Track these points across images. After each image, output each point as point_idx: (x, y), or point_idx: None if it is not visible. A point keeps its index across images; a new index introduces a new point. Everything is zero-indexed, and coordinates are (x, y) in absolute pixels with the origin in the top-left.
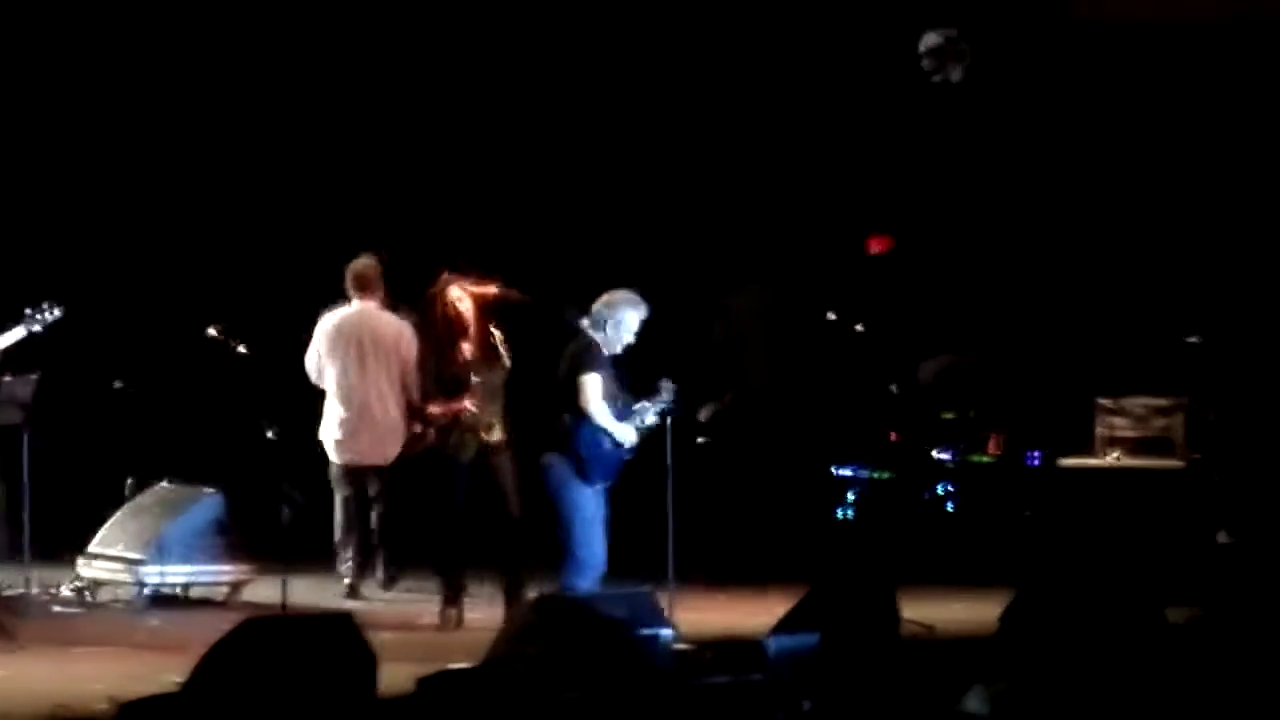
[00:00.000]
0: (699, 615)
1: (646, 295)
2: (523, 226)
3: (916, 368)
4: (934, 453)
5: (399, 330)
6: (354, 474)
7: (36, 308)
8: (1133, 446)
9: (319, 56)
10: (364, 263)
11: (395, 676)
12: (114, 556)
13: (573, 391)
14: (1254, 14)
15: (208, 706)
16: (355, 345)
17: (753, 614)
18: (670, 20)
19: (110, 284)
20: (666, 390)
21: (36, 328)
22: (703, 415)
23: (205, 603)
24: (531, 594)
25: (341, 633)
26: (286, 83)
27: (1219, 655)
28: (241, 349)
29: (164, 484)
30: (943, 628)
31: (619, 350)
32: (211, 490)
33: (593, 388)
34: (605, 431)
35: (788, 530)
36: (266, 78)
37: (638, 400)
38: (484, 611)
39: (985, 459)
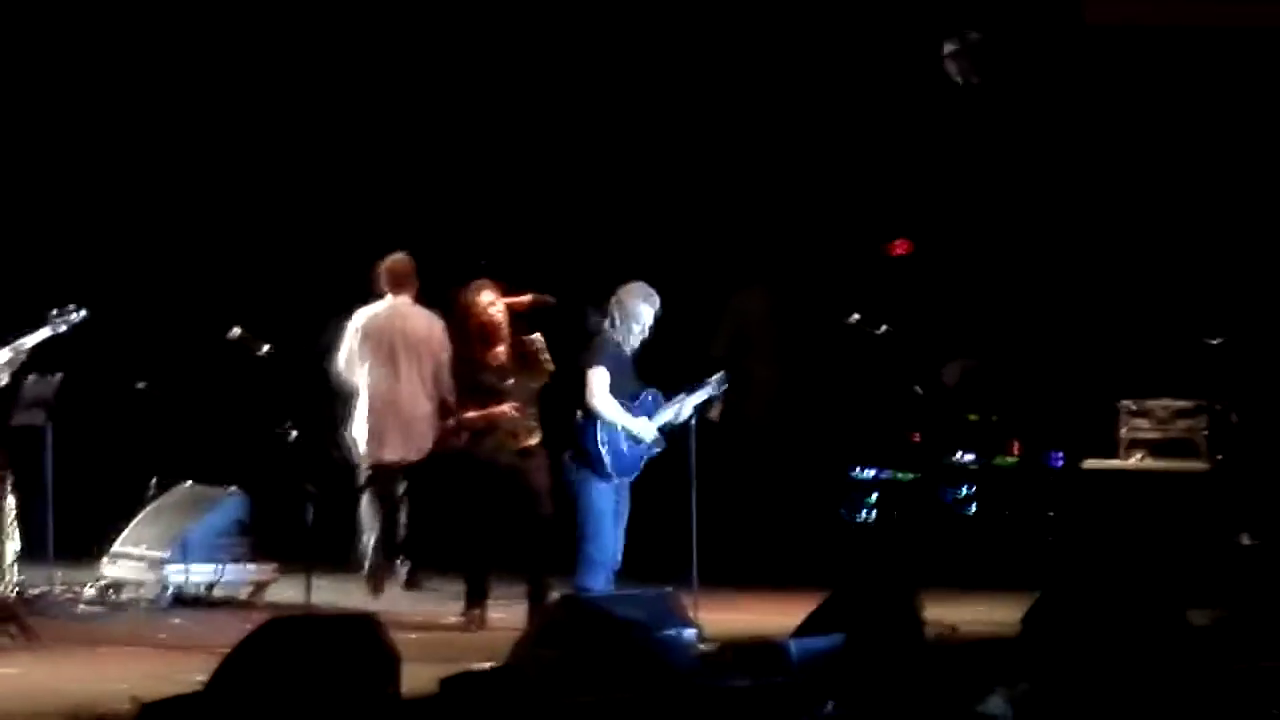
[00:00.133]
0: (721, 617)
1: (669, 297)
2: (546, 228)
3: (939, 370)
4: (956, 454)
5: (430, 326)
6: (382, 472)
7: (61, 310)
8: (1155, 448)
9: (340, 58)
10: (397, 258)
11: (418, 677)
12: (137, 556)
13: (583, 387)
14: (1269, 18)
15: (230, 706)
16: (388, 342)
17: (775, 616)
18: (692, 22)
19: (133, 285)
20: (712, 383)
21: (62, 328)
22: (714, 415)
23: (228, 603)
24: (555, 595)
25: (364, 633)
26: (309, 85)
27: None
28: (264, 350)
29: (187, 484)
30: (965, 629)
31: (635, 344)
32: (234, 490)
33: (598, 383)
34: (618, 427)
35: (810, 532)
36: (289, 80)
37: (674, 393)
38: (507, 612)
39: (1008, 461)
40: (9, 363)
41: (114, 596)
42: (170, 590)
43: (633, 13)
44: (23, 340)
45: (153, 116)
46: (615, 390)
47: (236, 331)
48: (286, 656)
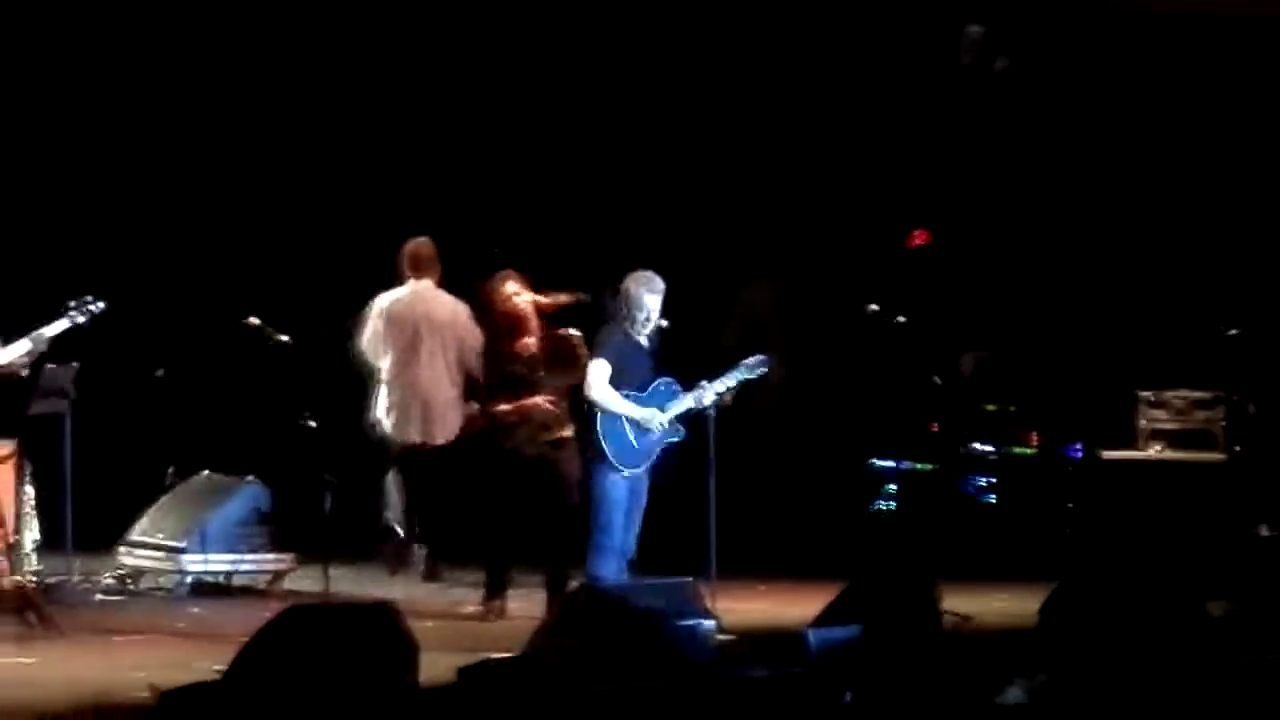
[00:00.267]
0: (740, 607)
1: (690, 288)
2: (564, 218)
3: (957, 360)
4: (974, 445)
5: (454, 310)
6: (406, 456)
7: (79, 301)
8: (1173, 439)
9: (361, 47)
10: (419, 243)
11: (436, 666)
12: (156, 545)
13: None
14: None
15: (249, 695)
16: (411, 326)
17: (793, 606)
18: (709, 13)
19: (151, 274)
20: (742, 369)
21: (80, 320)
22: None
23: (247, 591)
24: (573, 585)
25: (383, 622)
26: (329, 74)
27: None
28: (282, 338)
29: (205, 473)
30: (983, 620)
31: (645, 332)
32: (252, 479)
33: (594, 374)
34: (621, 417)
35: (828, 523)
36: (309, 69)
37: (695, 382)
38: (525, 602)
39: (1026, 451)
40: (28, 354)
41: (132, 585)
42: (188, 579)
43: (650, 5)
44: (41, 332)
45: (170, 106)
46: (625, 379)
47: (254, 320)
48: (305, 645)
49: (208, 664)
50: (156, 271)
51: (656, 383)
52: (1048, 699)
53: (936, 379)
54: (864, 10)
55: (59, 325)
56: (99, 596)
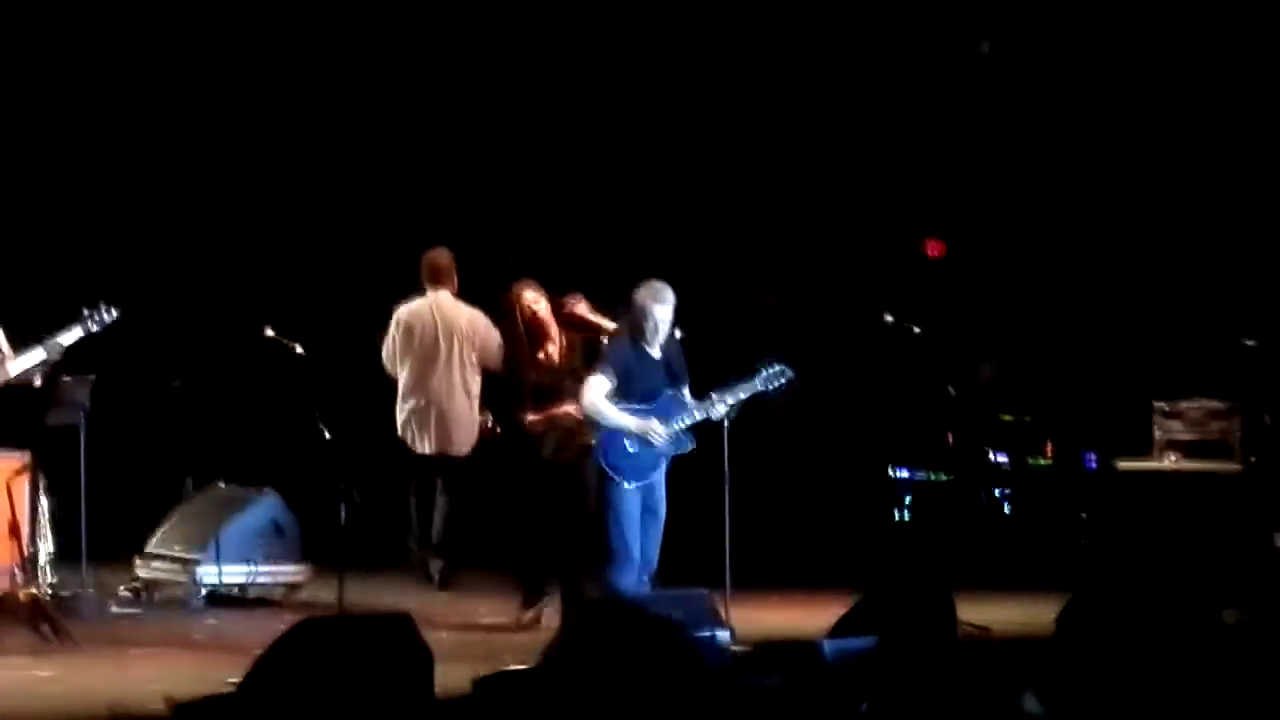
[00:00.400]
0: (755, 617)
1: (705, 299)
2: (580, 228)
3: (974, 370)
4: (990, 455)
5: (471, 318)
6: (424, 466)
7: (93, 308)
8: (1189, 449)
9: (374, 58)
10: (436, 253)
11: (451, 677)
12: (171, 557)
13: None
14: None
15: (264, 707)
16: (429, 336)
17: (808, 616)
18: (724, 21)
19: (168, 284)
20: (758, 380)
21: (94, 328)
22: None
23: (262, 603)
24: (589, 595)
25: (398, 633)
26: (343, 84)
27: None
28: (298, 349)
29: (221, 484)
30: (999, 630)
31: (654, 343)
32: (268, 490)
33: (592, 387)
34: (620, 429)
35: (844, 533)
36: (323, 79)
37: (707, 392)
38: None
39: (1042, 461)
40: (43, 363)
41: (148, 597)
42: (204, 591)
43: (663, 11)
44: (56, 340)
45: (187, 115)
46: (630, 391)
47: (270, 331)
48: (320, 657)
49: (223, 676)
50: (173, 282)
51: (665, 394)
52: (1064, 709)
53: (951, 389)
54: (881, 21)
55: (73, 333)
56: (114, 608)
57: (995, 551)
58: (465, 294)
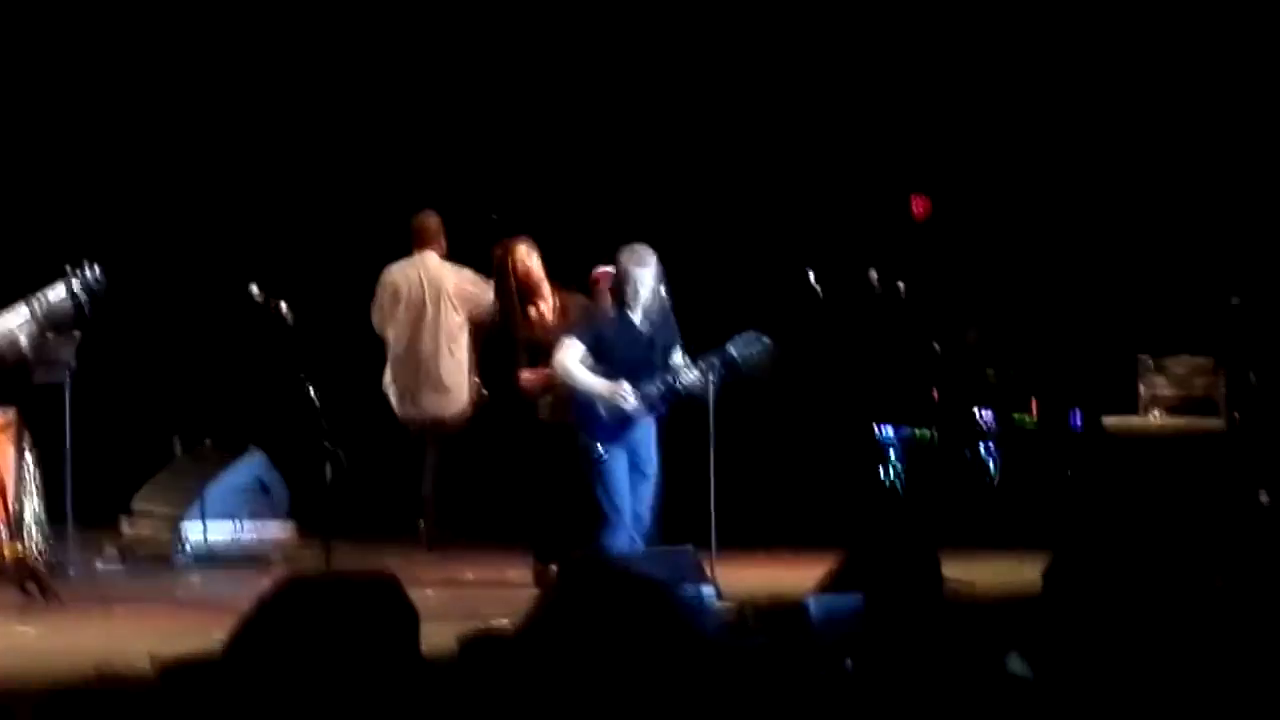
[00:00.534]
0: (740, 575)
1: (696, 263)
2: (567, 189)
3: (962, 332)
4: (976, 413)
5: (458, 279)
6: (408, 427)
7: (77, 266)
8: (1174, 407)
9: (360, 14)
10: (424, 215)
11: (438, 636)
12: (157, 515)
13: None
14: None
15: (249, 666)
16: (416, 298)
17: (794, 574)
18: None
19: (153, 243)
20: (734, 346)
21: (77, 286)
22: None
23: (247, 561)
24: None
25: (384, 592)
26: (329, 44)
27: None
28: (284, 308)
29: (207, 443)
30: (985, 588)
31: (636, 306)
32: (254, 449)
33: (564, 350)
34: (592, 392)
35: (829, 491)
36: (309, 38)
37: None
38: (527, 572)
39: (1027, 419)
40: (27, 321)
41: (132, 555)
42: (189, 549)
43: None
44: (41, 298)
45: (171, 72)
46: (607, 355)
47: (255, 290)
48: (306, 616)
49: (208, 634)
50: (158, 241)
51: (640, 358)
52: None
53: (937, 346)
54: None
55: (57, 291)
56: (99, 566)
57: (980, 509)
58: (454, 255)
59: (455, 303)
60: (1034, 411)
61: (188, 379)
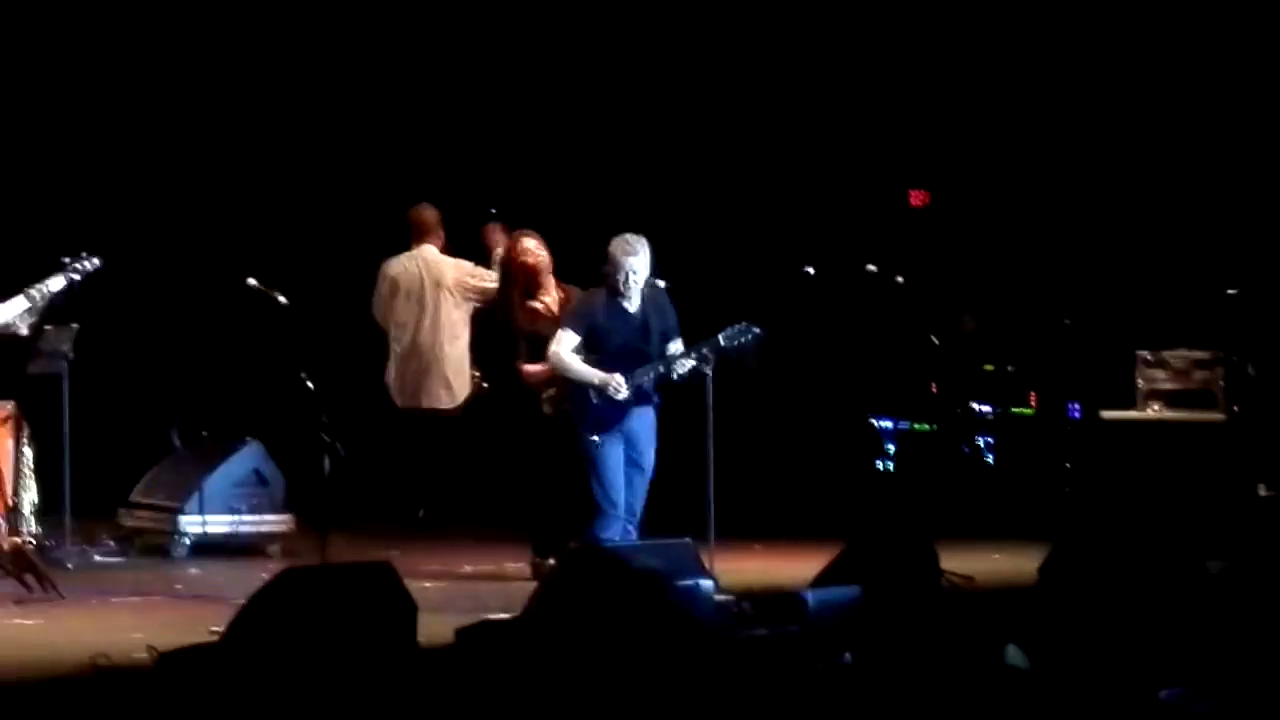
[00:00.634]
0: (738, 567)
1: (695, 256)
2: (564, 181)
3: (957, 320)
4: (974, 405)
5: (457, 270)
6: (411, 418)
7: (75, 258)
8: (1172, 399)
9: (358, 12)
10: (422, 209)
11: (435, 627)
12: (155, 506)
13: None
14: None
15: (247, 656)
16: (415, 291)
17: (792, 566)
18: None
19: (151, 234)
20: (724, 336)
21: (75, 277)
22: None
23: (245, 552)
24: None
25: (381, 583)
26: (328, 37)
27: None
28: (281, 299)
29: (205, 435)
30: (982, 580)
31: (629, 295)
32: (251, 440)
33: (558, 340)
34: (584, 382)
35: (826, 483)
36: (308, 31)
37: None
38: (525, 564)
39: (1025, 411)
40: (28, 311)
41: (131, 547)
42: (187, 540)
43: None
44: (39, 288)
45: (171, 64)
46: (600, 344)
47: (253, 282)
48: (303, 606)
49: (206, 625)
50: (156, 232)
51: (632, 348)
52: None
53: (935, 339)
54: None
55: (55, 282)
56: (97, 558)
57: (978, 501)
58: (452, 248)
59: (454, 295)
60: (1032, 404)
61: (186, 371)
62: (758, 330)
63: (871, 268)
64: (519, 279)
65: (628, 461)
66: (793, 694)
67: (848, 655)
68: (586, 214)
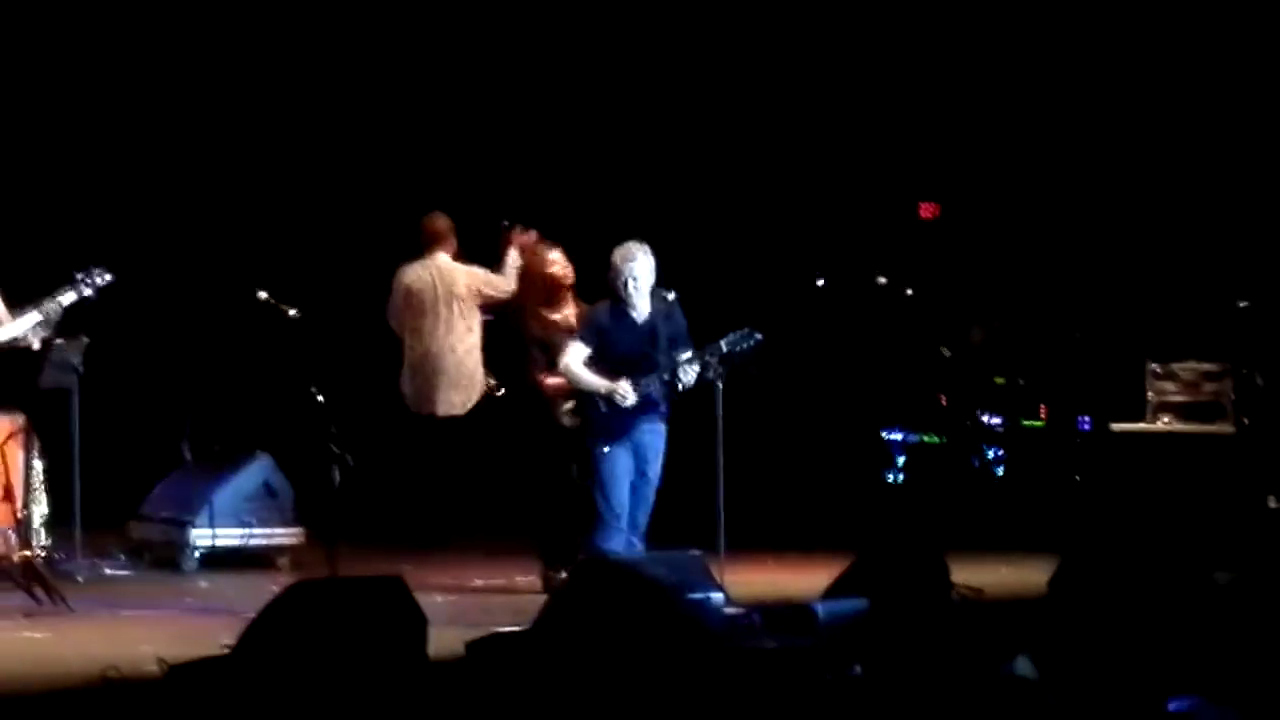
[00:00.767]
0: (748, 579)
1: (703, 265)
2: (575, 190)
3: (966, 332)
4: (984, 417)
5: (469, 277)
6: (425, 424)
7: (86, 271)
8: (1182, 411)
9: (370, 12)
10: (435, 217)
11: (445, 640)
12: (165, 519)
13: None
14: None
15: (257, 669)
16: (429, 299)
17: (802, 578)
18: None
19: (161, 247)
20: (727, 342)
21: (87, 291)
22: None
23: (255, 565)
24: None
25: (391, 596)
26: (339, 46)
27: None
28: (292, 312)
29: (215, 448)
30: (991, 592)
31: (634, 302)
32: (261, 453)
33: (569, 351)
34: (593, 391)
35: (836, 495)
36: (318, 40)
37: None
38: (534, 576)
39: (1035, 424)
40: (40, 324)
41: (140, 559)
42: (197, 553)
43: None
44: (51, 302)
45: (181, 77)
46: (607, 353)
47: (263, 294)
48: (313, 619)
49: (216, 638)
50: (166, 245)
51: (639, 356)
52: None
53: (945, 351)
54: None
55: (66, 296)
56: (107, 570)
57: (988, 513)
58: (464, 256)
59: (467, 303)
60: (1042, 416)
61: (196, 384)
62: (759, 335)
63: (882, 280)
64: (541, 288)
65: (634, 473)
66: (803, 706)
67: (858, 667)
68: (598, 224)
